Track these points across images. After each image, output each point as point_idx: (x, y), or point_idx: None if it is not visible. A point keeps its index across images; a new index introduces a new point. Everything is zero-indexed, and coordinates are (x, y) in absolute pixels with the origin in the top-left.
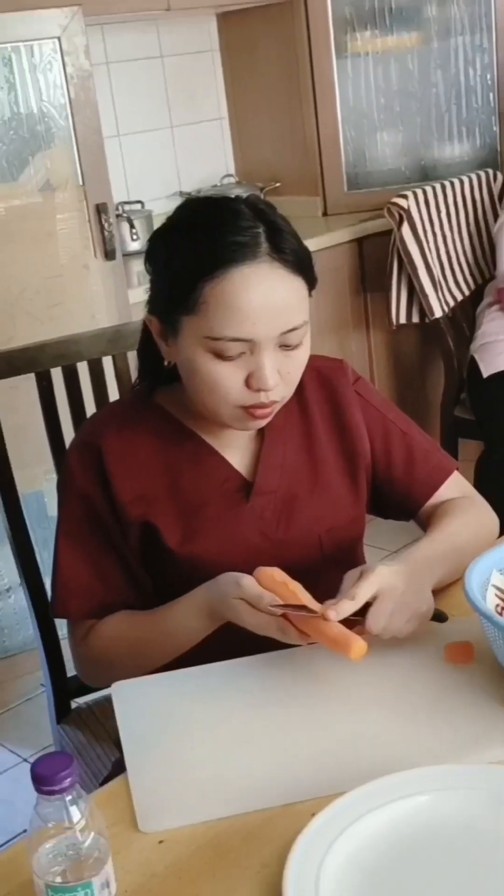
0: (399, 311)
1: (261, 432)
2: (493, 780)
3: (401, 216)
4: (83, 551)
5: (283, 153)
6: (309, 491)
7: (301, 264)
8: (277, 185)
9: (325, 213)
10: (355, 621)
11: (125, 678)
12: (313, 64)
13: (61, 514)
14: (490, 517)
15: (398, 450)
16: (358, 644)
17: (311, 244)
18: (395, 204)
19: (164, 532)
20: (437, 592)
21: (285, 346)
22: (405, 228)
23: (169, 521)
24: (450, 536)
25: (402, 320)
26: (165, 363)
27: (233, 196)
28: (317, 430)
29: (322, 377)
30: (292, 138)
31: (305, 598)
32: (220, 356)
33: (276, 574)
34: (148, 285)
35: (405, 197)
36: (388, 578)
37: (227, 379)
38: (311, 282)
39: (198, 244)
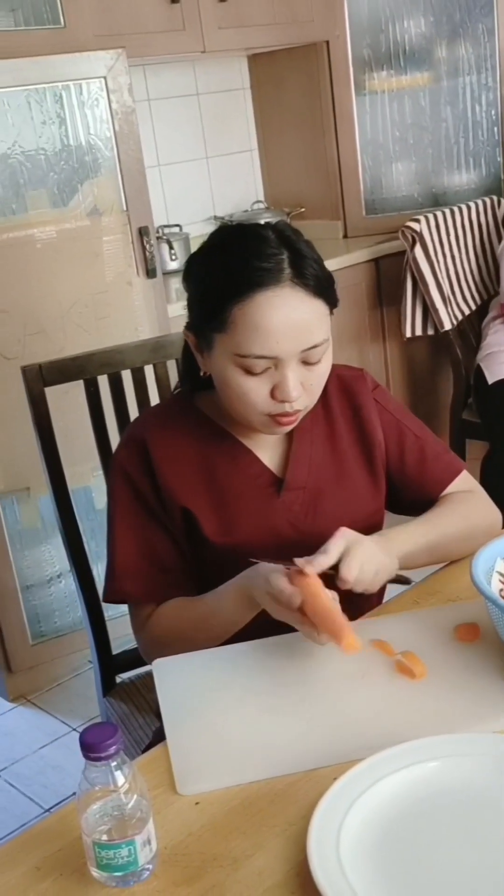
0: (413, 323)
1: (290, 433)
2: (498, 748)
3: (414, 238)
4: (139, 537)
5: (307, 181)
6: (334, 485)
7: (322, 287)
8: (302, 209)
9: (345, 236)
10: (332, 578)
11: None
12: (335, 100)
13: (114, 504)
14: (489, 509)
15: (411, 451)
16: (349, 637)
17: (333, 263)
18: (409, 227)
19: (203, 521)
20: (443, 574)
21: (307, 362)
22: (418, 249)
23: (207, 511)
24: (434, 519)
25: (415, 332)
26: (201, 373)
27: (262, 223)
28: (339, 431)
29: (344, 384)
30: (316, 167)
31: (336, 608)
32: (248, 371)
33: (311, 584)
34: (185, 302)
35: (418, 221)
36: (354, 535)
37: (253, 391)
38: (332, 303)
39: (228, 268)
